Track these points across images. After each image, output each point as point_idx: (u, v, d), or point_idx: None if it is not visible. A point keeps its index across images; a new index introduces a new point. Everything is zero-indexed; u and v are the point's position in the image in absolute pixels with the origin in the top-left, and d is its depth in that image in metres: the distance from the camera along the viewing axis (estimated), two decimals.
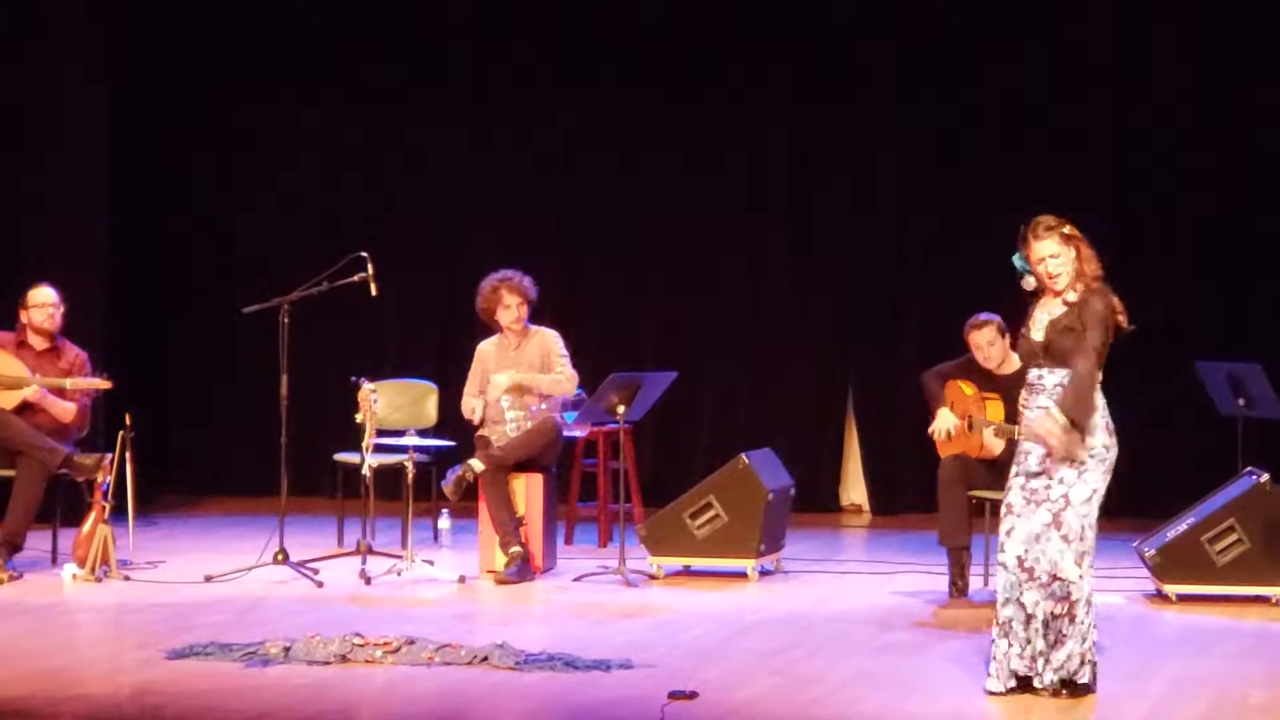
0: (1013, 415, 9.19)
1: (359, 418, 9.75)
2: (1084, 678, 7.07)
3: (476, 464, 10.02)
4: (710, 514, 10.00)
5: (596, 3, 13.20)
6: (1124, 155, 12.45)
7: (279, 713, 6.86)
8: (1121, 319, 7.08)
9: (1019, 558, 7.08)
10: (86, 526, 9.79)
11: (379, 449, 9.92)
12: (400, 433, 10.18)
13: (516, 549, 9.89)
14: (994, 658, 7.15)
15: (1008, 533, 7.09)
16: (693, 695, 7.00)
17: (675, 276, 13.23)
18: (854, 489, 13.22)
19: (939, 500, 9.49)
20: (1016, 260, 7.16)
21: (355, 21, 13.44)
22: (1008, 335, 9.40)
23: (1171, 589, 9.31)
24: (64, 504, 10.47)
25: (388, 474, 10.53)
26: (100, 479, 9.89)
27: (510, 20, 13.29)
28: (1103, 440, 7.04)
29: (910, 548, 11.15)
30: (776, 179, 13.11)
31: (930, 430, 9.47)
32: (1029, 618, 7.07)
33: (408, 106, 13.42)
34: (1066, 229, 7.07)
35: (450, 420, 11.18)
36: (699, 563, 10.10)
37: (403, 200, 13.48)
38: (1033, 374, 7.16)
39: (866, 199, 12.93)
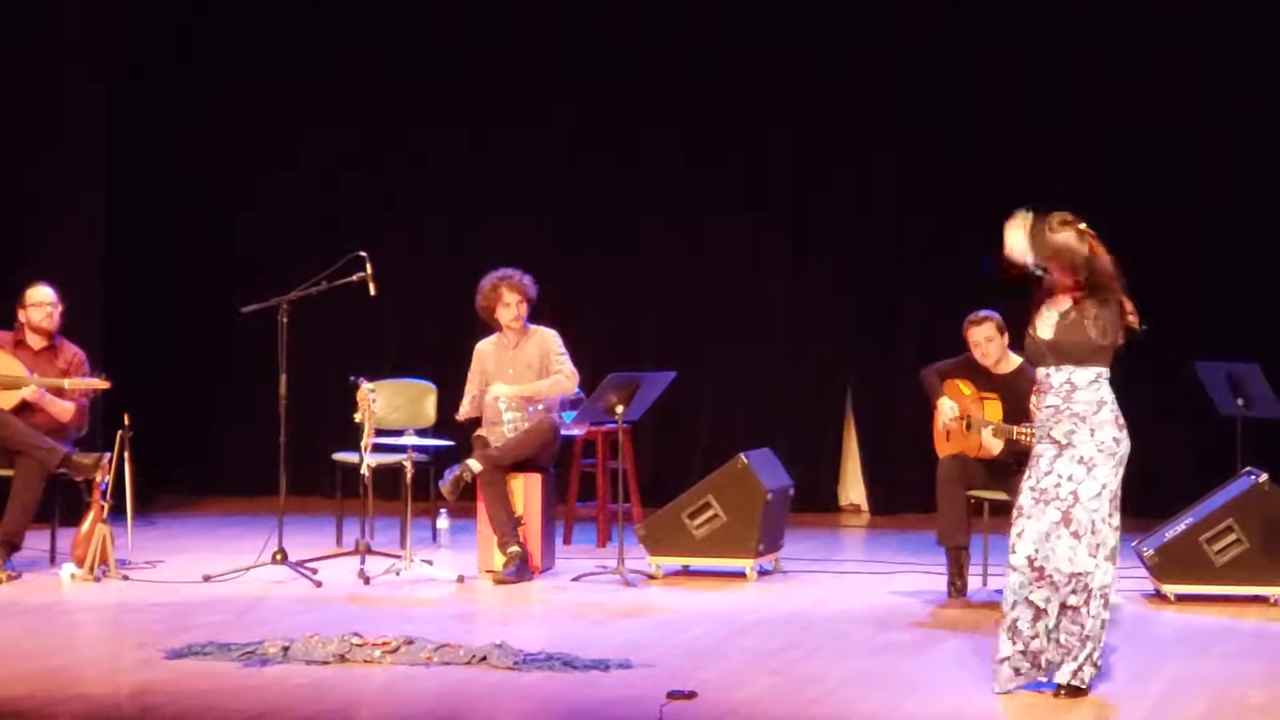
0: (1011, 415, 9.22)
1: (358, 417, 9.75)
2: (1083, 679, 7.06)
3: (474, 464, 10.02)
4: (709, 514, 10.00)
5: (596, 3, 13.21)
6: (1124, 155, 12.45)
7: (278, 712, 6.86)
8: (1132, 319, 7.11)
9: (1029, 557, 7.09)
10: (85, 526, 9.79)
11: (377, 449, 9.92)
12: (399, 432, 10.18)
13: (515, 549, 9.89)
14: (998, 659, 7.14)
15: (1019, 534, 7.11)
16: (691, 695, 7.00)
17: (675, 276, 13.23)
18: (853, 489, 13.22)
19: (937, 500, 9.49)
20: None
21: (355, 21, 13.44)
22: (1006, 333, 9.41)
23: (1170, 589, 9.31)
24: (62, 504, 10.47)
25: (386, 474, 10.52)
26: (99, 479, 9.88)
27: (510, 20, 13.29)
28: (1112, 434, 7.05)
29: (909, 548, 11.15)
30: (776, 179, 13.11)
31: (939, 426, 9.47)
32: (1038, 614, 7.06)
33: (408, 106, 13.42)
34: (1082, 225, 7.10)
35: (449, 420, 11.17)
36: (698, 562, 10.10)
37: (403, 200, 13.48)
38: (1040, 372, 7.17)
39: (866, 199, 12.93)
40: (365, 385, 9.77)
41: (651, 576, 9.99)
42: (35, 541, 10.23)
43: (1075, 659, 7.06)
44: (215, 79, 13.55)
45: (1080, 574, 7.03)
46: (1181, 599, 9.26)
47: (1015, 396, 9.22)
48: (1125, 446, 7.09)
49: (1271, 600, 9.23)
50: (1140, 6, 12.44)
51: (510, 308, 10.27)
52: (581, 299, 13.06)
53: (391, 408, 10.97)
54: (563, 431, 10.45)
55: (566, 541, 11.31)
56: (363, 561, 9.80)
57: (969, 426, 9.38)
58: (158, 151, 13.48)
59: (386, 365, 12.73)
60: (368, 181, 13.49)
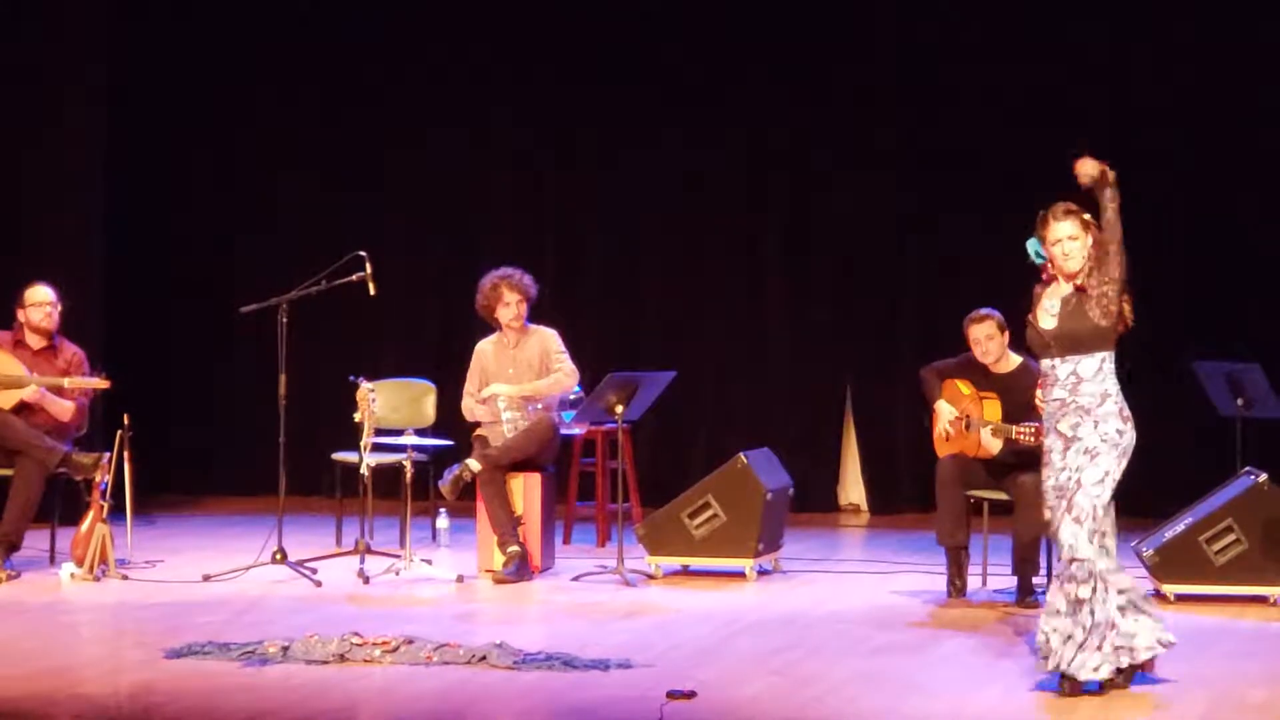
0: (1010, 414, 9.22)
1: (357, 417, 9.75)
2: (1090, 669, 7.06)
3: (474, 464, 10.02)
4: (709, 514, 10.00)
5: (597, 2, 13.20)
6: (1124, 155, 12.38)
7: (277, 712, 6.86)
8: (1129, 317, 7.12)
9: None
10: (85, 526, 9.79)
11: (377, 448, 9.93)
12: (398, 432, 10.18)
13: (515, 548, 9.89)
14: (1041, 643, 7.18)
15: (1056, 533, 7.13)
16: (691, 695, 7.00)
17: (675, 276, 13.23)
18: (852, 489, 13.22)
19: (937, 500, 9.49)
20: (1031, 245, 7.21)
21: (355, 21, 13.43)
22: (1006, 331, 9.41)
23: (1170, 589, 9.31)
24: (62, 503, 10.47)
25: (386, 473, 10.52)
26: (98, 478, 9.89)
27: (511, 20, 13.29)
28: (1115, 426, 7.07)
29: (908, 547, 11.15)
30: (776, 179, 13.11)
31: (936, 432, 9.48)
32: (1074, 607, 7.10)
33: (408, 106, 13.41)
34: (1086, 216, 7.12)
35: (448, 420, 11.18)
36: (697, 562, 10.10)
37: (403, 200, 13.47)
38: (1045, 364, 7.19)
39: (866, 199, 12.92)
40: (365, 385, 9.77)
41: (651, 576, 9.99)
42: (35, 541, 10.23)
43: (1102, 663, 7.05)
44: (215, 79, 13.56)
45: (1081, 560, 7.03)
46: (1181, 599, 9.26)
47: (1015, 395, 9.23)
48: (1129, 438, 7.11)
49: (1271, 600, 9.24)
50: (1140, 6, 12.43)
51: (510, 307, 10.27)
52: (581, 299, 13.06)
53: (391, 407, 10.97)
54: (562, 431, 10.46)
55: (566, 541, 11.31)
56: (362, 561, 9.81)
57: (968, 426, 9.38)
58: (158, 151, 13.48)
59: (386, 365, 12.71)
60: (368, 181, 13.49)
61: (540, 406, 10.26)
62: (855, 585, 9.94)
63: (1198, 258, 12.32)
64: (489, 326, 10.46)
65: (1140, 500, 10.93)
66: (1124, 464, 7.11)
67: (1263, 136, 12.26)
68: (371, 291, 10.08)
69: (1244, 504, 9.32)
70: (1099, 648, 7.05)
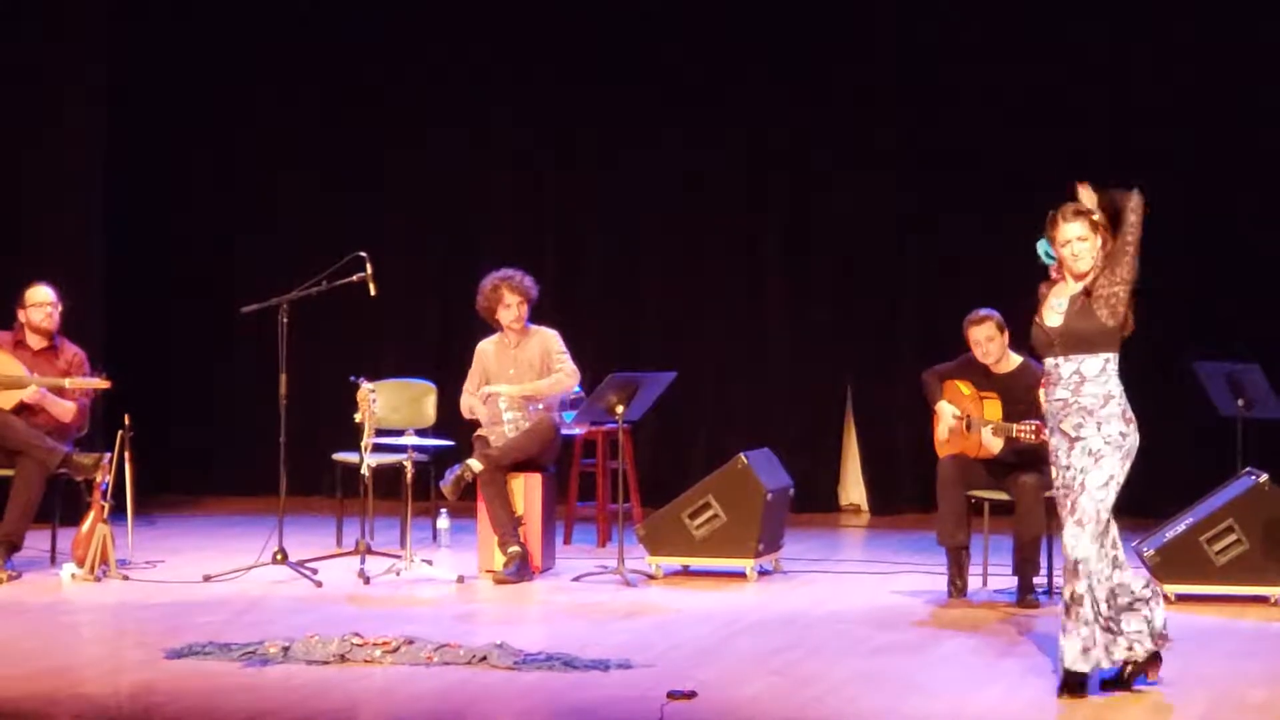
0: (1010, 414, 9.22)
1: (358, 417, 9.75)
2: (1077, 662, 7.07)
3: (475, 464, 10.02)
4: (709, 514, 10.00)
5: (597, 3, 13.20)
6: (1124, 155, 12.44)
7: (278, 712, 6.86)
8: (1131, 322, 7.13)
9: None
10: (85, 526, 9.79)
11: (378, 449, 9.93)
12: (399, 432, 10.18)
13: (515, 549, 9.89)
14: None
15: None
16: (692, 695, 7.00)
17: (675, 276, 13.23)
18: (853, 489, 13.22)
19: (938, 500, 9.49)
20: (1041, 246, 7.21)
21: (355, 21, 13.43)
22: (1006, 332, 9.41)
23: (1170, 589, 9.29)
24: (63, 503, 10.46)
25: (386, 474, 10.52)
26: (99, 478, 9.89)
27: (511, 20, 13.29)
28: (1119, 428, 7.07)
29: (909, 547, 11.15)
30: (776, 179, 13.11)
31: (939, 434, 9.48)
32: (1067, 605, 7.09)
33: (408, 106, 13.41)
34: (1095, 216, 7.12)
35: (449, 420, 11.18)
36: (698, 562, 10.10)
37: (403, 200, 13.47)
38: (1049, 363, 7.18)
39: (866, 199, 12.92)
40: (365, 385, 9.77)
41: (651, 576, 9.99)
42: (36, 541, 10.23)
43: (1085, 643, 7.07)
44: (215, 79, 13.56)
45: (1081, 560, 7.03)
46: (1182, 599, 9.25)
47: (1015, 395, 9.23)
48: (1133, 440, 7.11)
49: (1272, 600, 9.24)
50: (1140, 6, 12.43)
51: (511, 309, 10.27)
52: (581, 299, 13.06)
53: (392, 408, 10.96)
54: (563, 431, 10.46)
55: (567, 541, 11.31)
56: (363, 561, 9.81)
57: (969, 426, 9.38)
58: (158, 151, 13.48)
59: (387, 365, 12.71)
60: (368, 181, 13.49)
61: (541, 407, 10.26)
62: (856, 585, 9.94)
63: (1198, 258, 12.31)
64: (489, 326, 10.46)
65: (1141, 500, 10.93)
66: (1128, 466, 7.11)
67: (1263, 136, 12.26)
68: (372, 292, 10.07)
69: (1245, 504, 9.32)
70: (1099, 641, 7.05)
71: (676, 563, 10.13)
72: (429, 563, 10.02)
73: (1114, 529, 7.16)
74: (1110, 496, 7.07)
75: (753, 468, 10.00)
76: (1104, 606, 7.09)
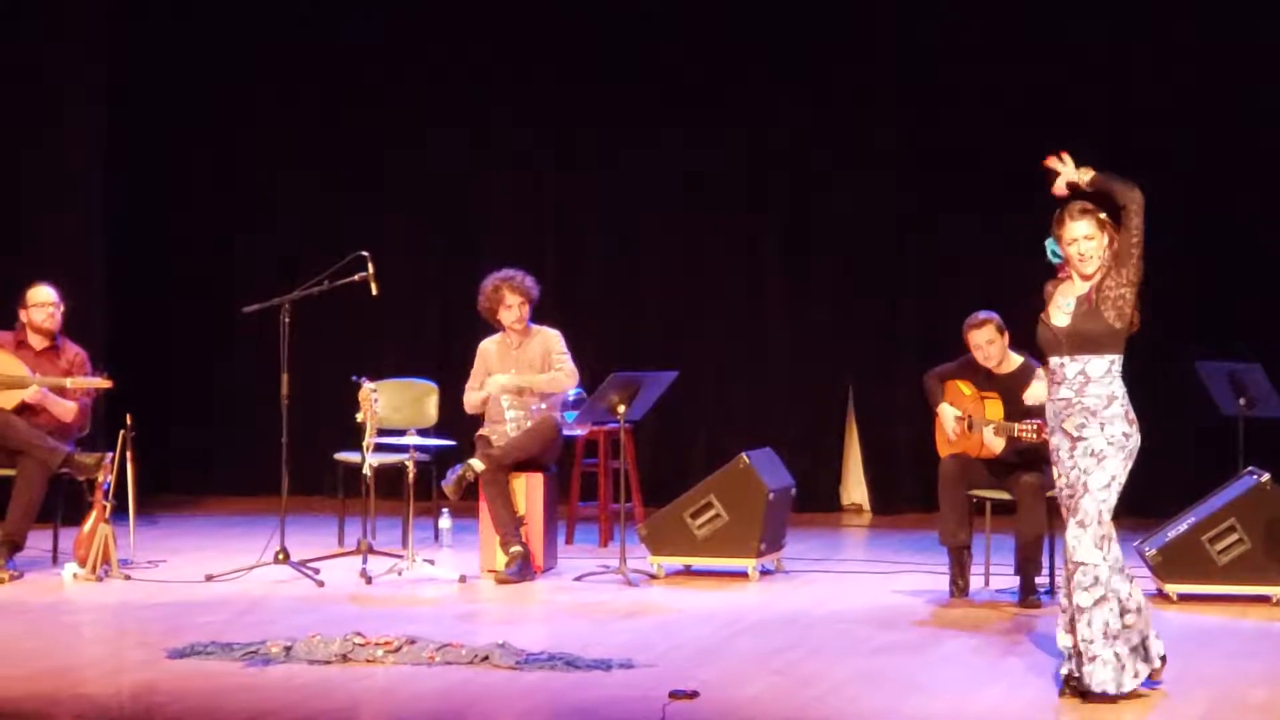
0: (1011, 414, 9.22)
1: (360, 417, 9.75)
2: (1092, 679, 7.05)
3: (477, 464, 10.02)
4: (711, 513, 10.00)
5: (597, 3, 13.20)
6: (1124, 155, 12.42)
7: (280, 712, 6.86)
8: (1137, 320, 7.12)
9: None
10: (87, 526, 9.79)
11: (380, 448, 9.93)
12: (401, 432, 10.19)
13: (517, 548, 9.90)
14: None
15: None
16: (694, 694, 7.00)
17: (675, 276, 13.23)
18: (854, 488, 13.22)
19: (939, 500, 9.49)
20: (1049, 244, 7.20)
21: (355, 21, 13.43)
22: (1006, 333, 9.41)
23: (1172, 588, 9.32)
24: (65, 503, 10.47)
25: (388, 473, 10.53)
26: (101, 478, 9.89)
27: (511, 20, 13.29)
28: (1122, 429, 7.06)
29: (910, 547, 11.15)
30: (776, 179, 13.11)
31: (938, 431, 9.49)
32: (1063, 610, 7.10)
33: (408, 106, 13.41)
34: (1102, 215, 7.11)
35: (451, 420, 11.18)
36: (700, 562, 10.11)
37: (403, 200, 13.47)
38: (1054, 361, 7.16)
39: (867, 199, 12.92)
40: (367, 385, 9.78)
41: (653, 576, 9.99)
42: (37, 541, 10.23)
43: (1096, 661, 7.04)
44: (215, 79, 13.56)
45: (1084, 564, 7.02)
46: (1184, 598, 9.26)
47: (1016, 395, 9.23)
48: (1135, 441, 7.10)
49: (1273, 600, 9.23)
50: (1140, 6, 12.44)
51: (512, 309, 10.27)
52: (581, 299, 13.06)
53: (393, 407, 10.97)
54: (565, 431, 10.46)
55: (568, 541, 11.30)
56: (365, 561, 9.81)
57: (970, 426, 9.38)
58: (158, 151, 13.48)
59: (388, 365, 12.72)
60: (368, 181, 13.49)
61: (543, 406, 10.27)
62: (857, 585, 9.94)
63: (1198, 258, 12.32)
64: (490, 326, 10.46)
65: (1143, 500, 10.96)
66: (1129, 466, 7.11)
67: (1263, 136, 12.26)
68: (374, 291, 10.08)
69: (1246, 504, 9.32)
70: (1110, 658, 7.02)
71: (678, 562, 10.14)
72: (431, 562, 10.02)
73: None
74: (1112, 497, 7.06)
75: (755, 467, 10.00)
76: (1130, 620, 7.07)
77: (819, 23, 12.94)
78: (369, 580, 9.69)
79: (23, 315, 10.36)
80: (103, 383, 10.21)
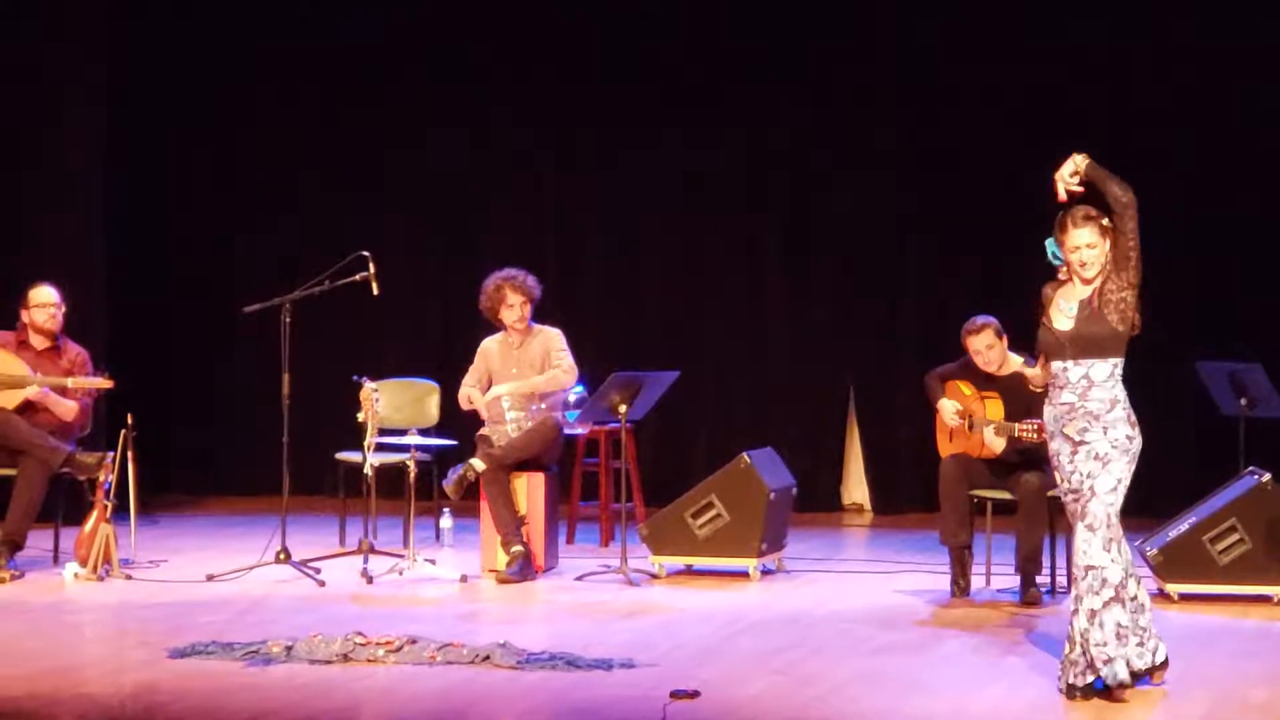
0: (1012, 413, 9.22)
1: (361, 417, 9.76)
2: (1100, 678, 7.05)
3: (478, 463, 10.03)
4: (712, 513, 10.00)
5: (597, 3, 13.20)
6: (1124, 155, 12.41)
7: (281, 712, 6.86)
8: (1139, 322, 7.12)
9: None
10: (88, 525, 9.80)
11: (381, 448, 9.94)
12: (402, 432, 10.19)
13: (518, 548, 9.90)
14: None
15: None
16: (695, 694, 7.00)
17: (675, 276, 13.23)
18: (855, 488, 13.22)
19: (940, 500, 9.49)
20: (1050, 246, 7.19)
21: (355, 21, 13.44)
22: (1004, 336, 9.41)
23: (1173, 588, 9.32)
24: (66, 503, 10.47)
25: (390, 473, 10.54)
26: (102, 478, 9.89)
27: (511, 20, 13.29)
28: (1125, 431, 7.06)
29: (911, 547, 11.15)
30: (776, 179, 13.12)
31: (939, 426, 9.50)
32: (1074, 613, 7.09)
33: (408, 106, 13.41)
34: (1105, 221, 7.09)
35: (452, 420, 11.19)
36: (701, 562, 10.11)
37: (403, 200, 13.47)
38: (1056, 366, 7.14)
39: (866, 199, 12.92)
40: (368, 385, 9.78)
41: (654, 576, 10.00)
42: (38, 541, 10.23)
43: (1103, 660, 7.04)
44: (215, 79, 13.56)
45: (1094, 567, 7.01)
46: (1185, 598, 9.27)
47: (1017, 395, 9.22)
48: (1137, 444, 7.10)
49: (1274, 600, 9.24)
50: (1140, 6, 12.44)
51: (514, 309, 10.27)
52: (581, 299, 13.06)
53: (394, 407, 10.97)
54: (566, 431, 10.46)
55: (569, 541, 11.31)
56: (366, 561, 9.81)
57: (971, 426, 9.38)
58: (158, 151, 13.48)
59: (389, 364, 12.71)
60: (368, 181, 13.49)
61: (544, 406, 10.27)
62: (858, 585, 9.94)
63: (1198, 258, 12.32)
64: (491, 326, 10.46)
65: (1143, 500, 10.95)
66: (1132, 468, 7.10)
67: (1263, 136, 12.26)
68: (375, 291, 10.08)
69: (1247, 504, 9.33)
70: (1123, 656, 7.01)
71: (679, 562, 10.14)
72: (432, 562, 10.02)
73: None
74: (1119, 500, 7.06)
75: (756, 467, 10.01)
76: (1144, 621, 7.08)
77: (819, 23, 12.94)
78: (370, 580, 9.69)
79: (24, 315, 10.36)
80: (104, 383, 10.21)
